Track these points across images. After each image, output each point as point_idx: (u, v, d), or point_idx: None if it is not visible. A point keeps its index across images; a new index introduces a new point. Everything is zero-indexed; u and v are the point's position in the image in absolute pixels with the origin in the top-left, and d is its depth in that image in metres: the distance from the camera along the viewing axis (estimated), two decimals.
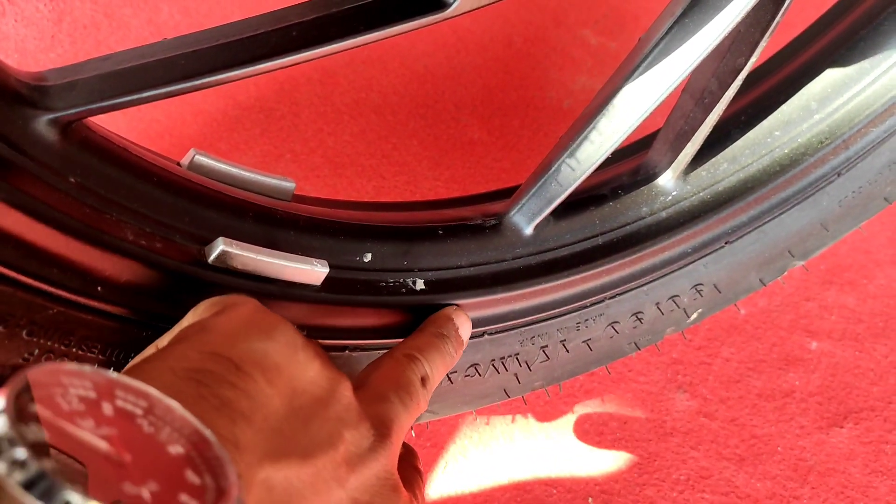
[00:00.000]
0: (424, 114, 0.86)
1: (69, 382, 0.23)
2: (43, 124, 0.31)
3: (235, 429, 0.29)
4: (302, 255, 0.42)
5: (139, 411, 0.25)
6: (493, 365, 0.57)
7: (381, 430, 0.37)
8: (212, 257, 0.37)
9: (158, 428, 0.24)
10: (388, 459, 0.36)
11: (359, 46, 0.37)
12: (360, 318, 0.46)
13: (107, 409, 0.24)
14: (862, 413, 0.77)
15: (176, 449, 0.24)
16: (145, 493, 0.22)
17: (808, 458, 0.74)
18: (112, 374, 0.25)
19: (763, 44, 0.48)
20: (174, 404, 0.25)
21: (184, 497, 0.23)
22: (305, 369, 0.35)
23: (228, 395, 0.30)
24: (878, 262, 0.85)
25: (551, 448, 0.72)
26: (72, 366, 0.24)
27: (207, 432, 0.25)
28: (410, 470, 0.44)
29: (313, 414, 0.34)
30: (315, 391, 0.35)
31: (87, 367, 0.24)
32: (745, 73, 0.49)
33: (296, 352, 0.35)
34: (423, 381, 0.43)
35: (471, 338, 0.54)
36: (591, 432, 0.73)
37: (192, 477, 0.24)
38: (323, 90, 0.85)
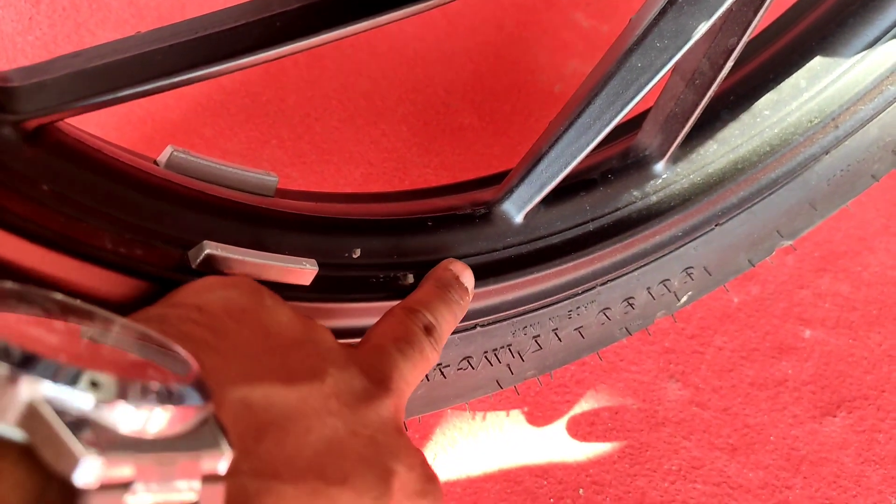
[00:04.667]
0: (414, 99, 0.84)
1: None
2: (9, 129, 0.29)
3: (201, 354, 0.28)
4: (289, 254, 0.40)
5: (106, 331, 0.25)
6: (485, 357, 0.56)
7: (377, 378, 0.36)
8: (197, 262, 0.35)
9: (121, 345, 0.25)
10: (388, 407, 0.35)
11: (347, 37, 0.35)
12: (349, 317, 0.45)
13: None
14: (855, 402, 0.77)
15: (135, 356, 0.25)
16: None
17: (801, 447, 0.74)
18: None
19: (756, 23, 0.47)
20: (127, 321, 0.26)
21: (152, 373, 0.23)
22: (275, 313, 0.34)
23: (191, 329, 0.30)
24: (872, 250, 0.84)
25: (542, 439, 0.71)
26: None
27: (159, 336, 0.26)
28: None
29: (292, 350, 0.33)
30: (290, 333, 0.34)
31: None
32: (738, 54, 0.48)
33: (262, 298, 0.34)
34: (428, 329, 0.41)
35: (463, 331, 0.53)
36: (582, 423, 0.72)
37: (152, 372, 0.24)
38: (310, 74, 0.83)
